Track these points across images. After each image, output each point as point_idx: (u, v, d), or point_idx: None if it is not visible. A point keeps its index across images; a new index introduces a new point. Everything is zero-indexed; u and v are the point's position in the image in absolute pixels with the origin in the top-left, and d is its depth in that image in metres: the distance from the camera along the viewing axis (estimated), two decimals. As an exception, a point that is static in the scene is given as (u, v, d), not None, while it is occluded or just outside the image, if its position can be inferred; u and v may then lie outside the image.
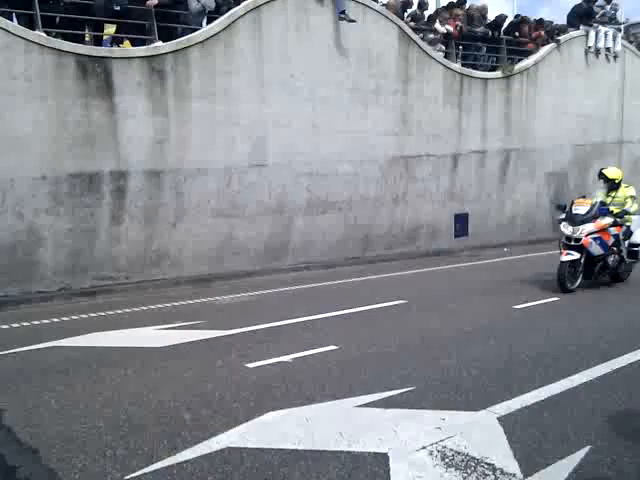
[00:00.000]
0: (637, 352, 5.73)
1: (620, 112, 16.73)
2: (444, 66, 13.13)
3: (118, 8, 9.45)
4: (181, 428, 4.16)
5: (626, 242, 9.14)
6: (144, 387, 4.94)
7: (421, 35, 13.04)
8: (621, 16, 19.36)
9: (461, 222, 12.81)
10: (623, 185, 9.26)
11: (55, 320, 7.33)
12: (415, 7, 13.67)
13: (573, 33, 15.68)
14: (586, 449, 3.85)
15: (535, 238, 14.50)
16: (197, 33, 9.89)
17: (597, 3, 16.71)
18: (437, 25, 13.49)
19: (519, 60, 14.71)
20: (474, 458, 3.72)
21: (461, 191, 13.43)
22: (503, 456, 3.75)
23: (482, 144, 13.81)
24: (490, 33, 14.55)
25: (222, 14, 10.17)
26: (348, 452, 3.81)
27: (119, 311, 7.78)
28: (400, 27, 12.34)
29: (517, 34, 15.11)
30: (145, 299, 8.45)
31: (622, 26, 17.96)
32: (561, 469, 3.61)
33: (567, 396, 4.73)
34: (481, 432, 4.13)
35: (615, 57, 16.36)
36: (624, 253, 9.12)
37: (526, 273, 10.60)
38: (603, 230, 8.61)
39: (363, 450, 3.83)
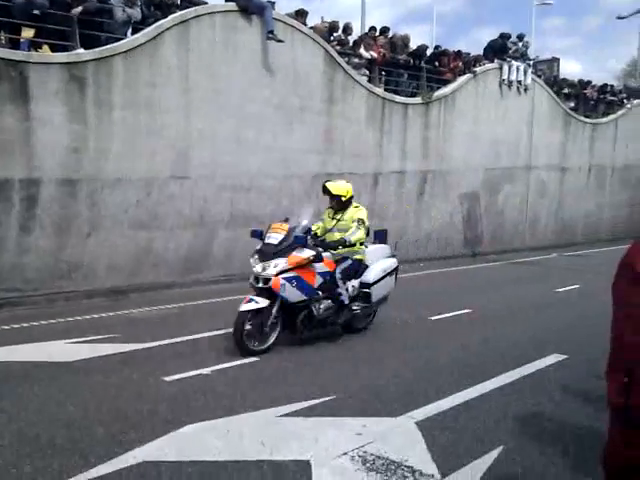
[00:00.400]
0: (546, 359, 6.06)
1: (529, 140, 17.79)
2: (367, 90, 13.49)
3: (38, 12, 9.12)
4: (94, 443, 3.99)
5: (354, 281, 6.88)
6: (53, 403, 4.68)
7: (346, 59, 13.38)
8: (531, 53, 20.75)
9: (380, 237, 12.99)
10: (353, 205, 7.17)
11: (-45, 334, 6.82)
12: (340, 32, 14.00)
13: (488, 66, 16.59)
14: (499, 449, 4.03)
15: (448, 254, 15.08)
16: (121, 42, 9.66)
17: (511, 39, 17.81)
18: (362, 50, 13.89)
19: (438, 88, 15.34)
20: (394, 462, 3.80)
21: (381, 208, 13.76)
22: (421, 459, 3.86)
23: (401, 165, 14.26)
24: (412, 61, 15.14)
25: (148, 25, 10.01)
26: (270, 461, 3.79)
27: (26, 324, 7.31)
28: (326, 50, 12.60)
29: (437, 64, 15.81)
30: (55, 312, 8.00)
31: (531, 62, 19.21)
32: (476, 469, 3.75)
33: (480, 401, 4.92)
34: (400, 437, 4.22)
35: (525, 90, 17.42)
36: (344, 297, 6.68)
37: (440, 286, 11.07)
38: (303, 267, 6.35)
39: (285, 459, 3.82)
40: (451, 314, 8.28)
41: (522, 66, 17.23)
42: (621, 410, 1.23)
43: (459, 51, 16.57)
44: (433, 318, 8.03)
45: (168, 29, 10.10)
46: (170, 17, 10.21)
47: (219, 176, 10.86)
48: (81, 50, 9.23)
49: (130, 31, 10.19)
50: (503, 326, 7.75)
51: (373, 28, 14.90)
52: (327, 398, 4.90)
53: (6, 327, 7.14)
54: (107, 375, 5.39)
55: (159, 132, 10.09)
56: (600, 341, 5.70)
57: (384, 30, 15.07)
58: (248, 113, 11.25)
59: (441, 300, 9.39)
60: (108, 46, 9.48)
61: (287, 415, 4.57)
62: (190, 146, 10.49)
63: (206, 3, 11.11)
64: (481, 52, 17.29)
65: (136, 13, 10.13)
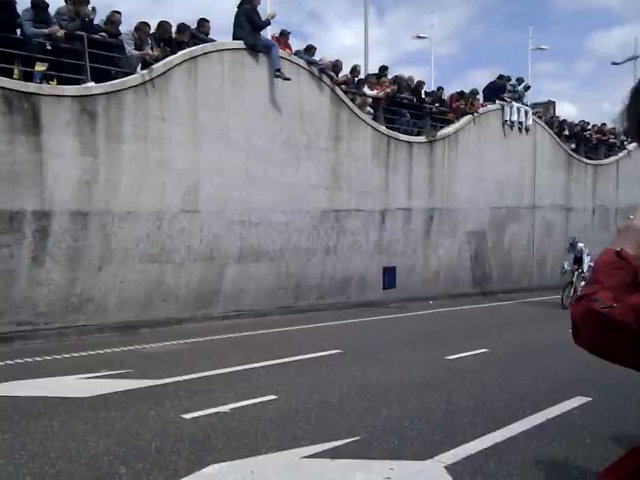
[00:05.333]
0: (570, 401, 5.96)
1: (532, 180, 17.99)
2: (372, 128, 13.68)
3: (49, 48, 9.29)
4: (117, 483, 3.85)
5: None
6: (72, 440, 4.56)
7: (351, 97, 13.58)
8: (529, 96, 21.13)
9: (389, 275, 13.08)
10: None
11: (-33, 367, 6.72)
12: (347, 72, 14.22)
13: (490, 107, 16.90)
14: (536, 496, 3.90)
15: (457, 292, 15.03)
16: (132, 77, 9.81)
17: (510, 82, 18.16)
18: (366, 89, 14.11)
19: (441, 127, 15.58)
20: (429, 507, 3.67)
21: (389, 245, 13.79)
22: (457, 504, 3.73)
23: (408, 202, 14.35)
24: (414, 100, 15.37)
25: (158, 61, 10.16)
26: (300, 504, 3.66)
27: (39, 358, 7.23)
28: (332, 89, 12.82)
29: (437, 105, 16.07)
30: (67, 346, 7.92)
31: (530, 103, 19.56)
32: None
33: (509, 445, 4.80)
34: (432, 481, 4.09)
35: (527, 130, 17.71)
36: None
37: (452, 325, 10.94)
38: None
39: (315, 502, 3.69)
40: (468, 354, 8.17)
41: (523, 108, 17.55)
42: None
43: (461, 91, 16.86)
44: (450, 358, 7.92)
45: (177, 65, 10.25)
46: (179, 53, 10.41)
47: (228, 210, 10.88)
48: (92, 83, 9.34)
49: (140, 66, 10.32)
50: (522, 366, 7.64)
51: (382, 68, 15.16)
52: (351, 439, 4.77)
53: (19, 361, 7.05)
54: (124, 412, 5.27)
55: (168, 166, 10.14)
56: (622, 383, 5.54)
57: (383, 69, 15.32)
58: (256, 148, 11.35)
59: (456, 339, 9.31)
60: (118, 80, 9.61)
61: (312, 456, 4.43)
62: (199, 180, 10.53)
63: (214, 41, 11.29)
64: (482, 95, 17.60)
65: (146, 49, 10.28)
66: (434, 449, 4.61)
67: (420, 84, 16.00)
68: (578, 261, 13.99)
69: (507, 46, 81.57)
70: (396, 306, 13.17)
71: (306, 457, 4.42)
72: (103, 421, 5.02)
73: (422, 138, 14.96)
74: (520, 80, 19.07)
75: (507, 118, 17.08)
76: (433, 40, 31.31)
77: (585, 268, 13.69)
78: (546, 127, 18.71)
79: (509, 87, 18.01)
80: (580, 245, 14.17)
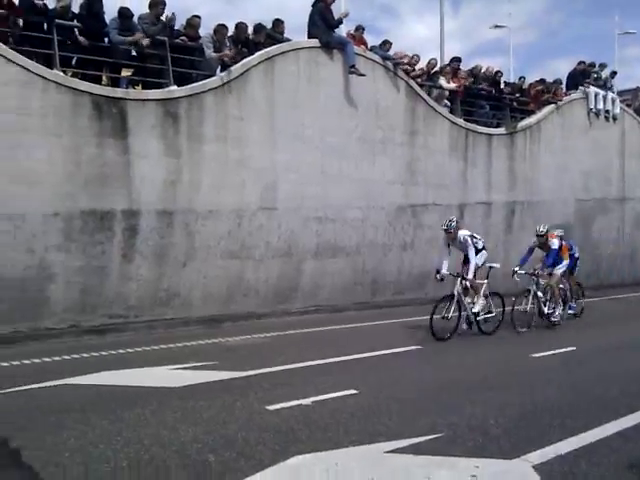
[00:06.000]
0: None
1: (621, 171, 17.08)
2: (449, 121, 13.43)
3: (134, 54, 9.72)
4: (206, 470, 3.99)
5: None
6: (164, 427, 4.77)
7: (427, 91, 13.38)
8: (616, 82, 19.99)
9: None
10: None
11: (66, 357, 7.17)
12: (422, 65, 14.00)
13: (574, 95, 16.18)
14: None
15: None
16: (211, 80, 10.08)
17: (594, 69, 17.29)
18: (442, 81, 13.85)
19: (522, 118, 15.07)
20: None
21: (468, 240, 13.46)
22: (547, 505, 3.61)
23: (487, 196, 13.99)
24: (493, 91, 14.93)
25: (236, 62, 10.38)
26: (386, 499, 3.66)
27: (130, 350, 7.64)
28: (407, 83, 12.67)
29: (518, 95, 15.55)
30: (156, 338, 8.33)
31: (616, 91, 18.54)
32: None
33: (601, 446, 4.60)
34: (519, 480, 3.98)
35: (614, 119, 16.83)
36: None
37: (537, 323, 10.57)
38: None
39: (400, 498, 3.68)
40: (554, 352, 7.90)
41: (610, 95, 16.69)
42: None
43: (542, 79, 16.24)
44: (536, 355, 7.69)
45: (255, 66, 10.44)
46: (257, 54, 10.56)
47: (305, 207, 11.01)
48: (174, 87, 9.67)
49: (219, 69, 10.56)
50: (612, 365, 7.29)
51: (456, 59, 14.81)
52: (434, 436, 4.72)
53: (113, 352, 7.46)
54: (211, 402, 5.46)
55: (247, 165, 10.37)
56: None
57: (455, 60, 14.91)
58: (331, 145, 11.40)
59: (542, 337, 9.03)
60: (199, 83, 9.91)
61: (394, 452, 4.42)
62: (276, 178, 10.70)
63: (289, 40, 11.40)
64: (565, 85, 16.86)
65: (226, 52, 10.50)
66: (521, 448, 4.49)
67: (498, 74, 15.53)
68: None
69: (589, 33, 77.12)
70: (476, 302, 12.83)
71: (388, 452, 4.42)
72: (192, 410, 5.21)
73: (502, 130, 14.54)
74: (603, 66, 18.13)
75: (592, 106, 16.29)
76: (510, 29, 30.34)
77: (471, 271, 9.07)
78: (635, 115, 17.71)
79: (593, 74, 17.18)
80: (463, 234, 9.19)
